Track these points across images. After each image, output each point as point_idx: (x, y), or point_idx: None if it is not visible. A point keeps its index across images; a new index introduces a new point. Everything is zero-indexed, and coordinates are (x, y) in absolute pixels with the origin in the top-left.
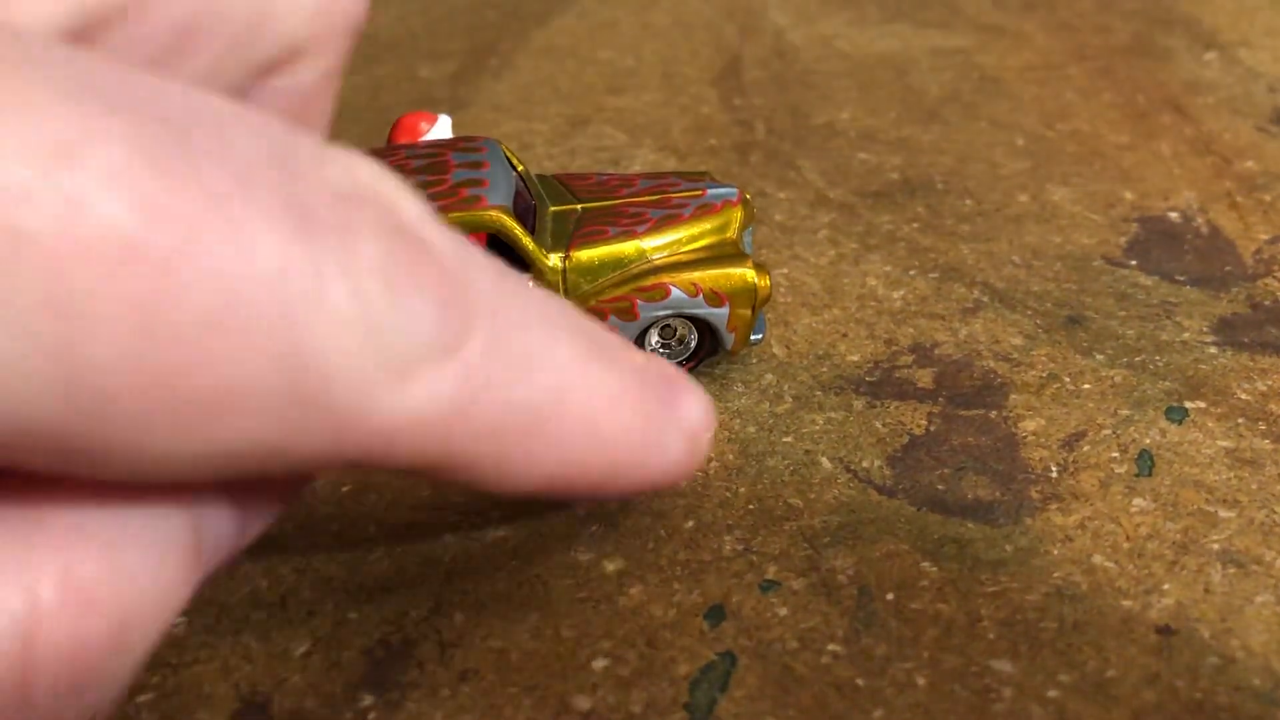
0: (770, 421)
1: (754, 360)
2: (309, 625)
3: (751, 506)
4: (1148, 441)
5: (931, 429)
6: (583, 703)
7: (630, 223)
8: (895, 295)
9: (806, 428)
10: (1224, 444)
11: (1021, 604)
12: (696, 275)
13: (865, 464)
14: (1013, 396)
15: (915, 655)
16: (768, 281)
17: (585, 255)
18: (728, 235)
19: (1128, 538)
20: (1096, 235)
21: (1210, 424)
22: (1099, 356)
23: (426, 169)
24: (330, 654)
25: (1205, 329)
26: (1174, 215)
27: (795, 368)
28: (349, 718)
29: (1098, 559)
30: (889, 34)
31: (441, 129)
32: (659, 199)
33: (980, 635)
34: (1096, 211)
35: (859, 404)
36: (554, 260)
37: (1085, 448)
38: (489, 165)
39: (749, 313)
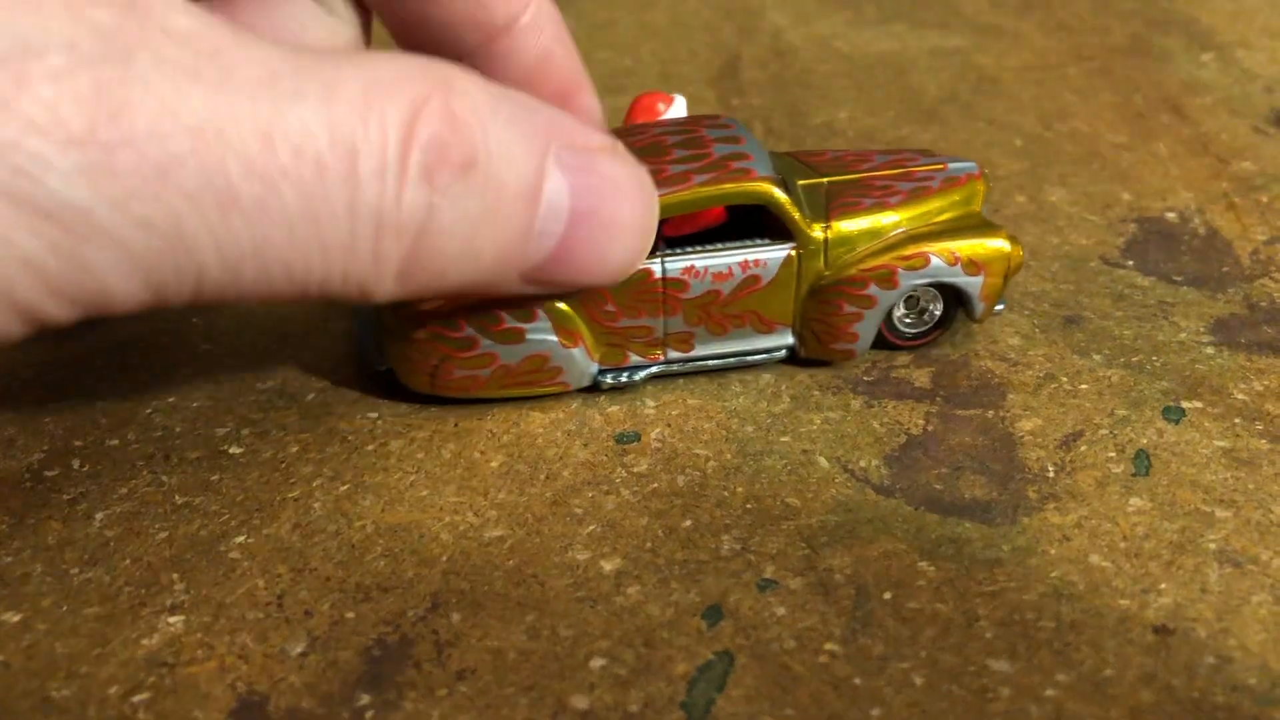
0: (768, 421)
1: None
2: (306, 625)
3: (749, 506)
4: (1144, 441)
5: (929, 429)
6: (580, 702)
7: (882, 194)
8: None
9: (804, 427)
10: (1221, 444)
11: (1019, 603)
12: (955, 244)
13: (863, 464)
14: (1010, 396)
15: (913, 654)
16: (1021, 251)
17: (845, 225)
18: (973, 207)
19: (1125, 537)
20: (1094, 236)
21: (1207, 424)
22: (1096, 357)
23: (686, 144)
24: (327, 654)
25: (1202, 329)
26: (1171, 216)
27: (793, 367)
28: (346, 717)
29: (1095, 559)
30: (887, 34)
31: (678, 109)
32: (903, 173)
33: (978, 635)
34: (1094, 212)
35: (856, 404)
36: (816, 230)
37: (1082, 448)
38: (744, 140)
39: (1001, 281)
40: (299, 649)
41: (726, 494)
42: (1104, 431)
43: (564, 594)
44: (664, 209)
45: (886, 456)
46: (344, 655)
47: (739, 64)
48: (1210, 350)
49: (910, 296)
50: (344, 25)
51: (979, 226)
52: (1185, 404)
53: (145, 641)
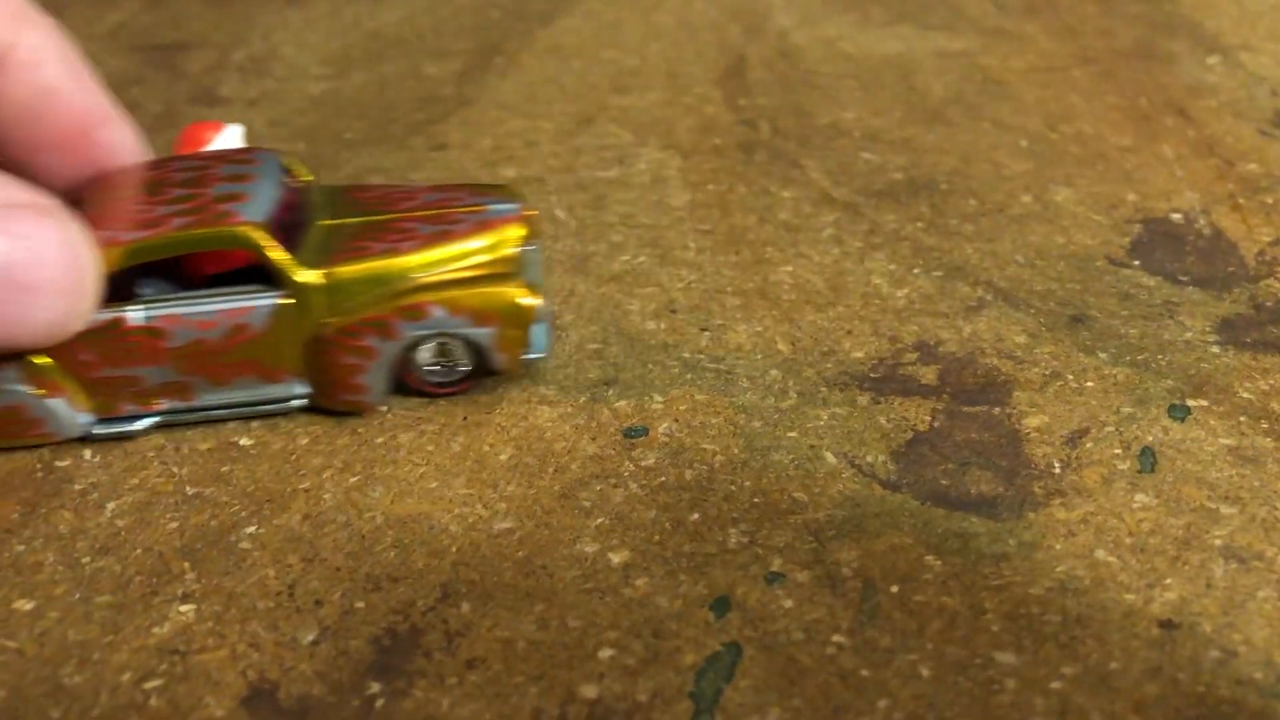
0: (775, 417)
1: (759, 356)
2: (317, 614)
3: (757, 500)
4: (1150, 439)
5: (935, 425)
6: (589, 691)
7: (398, 239)
8: (899, 293)
9: (811, 423)
10: (1226, 442)
11: (1025, 597)
12: (459, 294)
13: (869, 459)
14: (1016, 394)
15: (919, 647)
16: (536, 301)
17: (345, 272)
18: (503, 253)
19: (1130, 533)
20: (1100, 236)
21: (1212, 422)
22: (1102, 355)
23: (189, 182)
24: (338, 642)
25: (1208, 329)
26: (1176, 217)
27: (800, 364)
28: (356, 705)
29: (1100, 554)
30: (893, 36)
31: (230, 139)
32: (437, 214)
33: (984, 628)
34: (1100, 212)
35: (863, 400)
36: (310, 276)
37: (1088, 444)
38: (254, 179)
39: (518, 332)
40: (310, 638)
41: (734, 488)
42: (1110, 429)
43: (572, 585)
44: (137, 253)
45: (893, 452)
46: (354, 644)
47: (745, 65)
48: (1216, 349)
49: (440, 344)
50: None
51: (495, 276)
52: (1190, 402)
53: (157, 630)
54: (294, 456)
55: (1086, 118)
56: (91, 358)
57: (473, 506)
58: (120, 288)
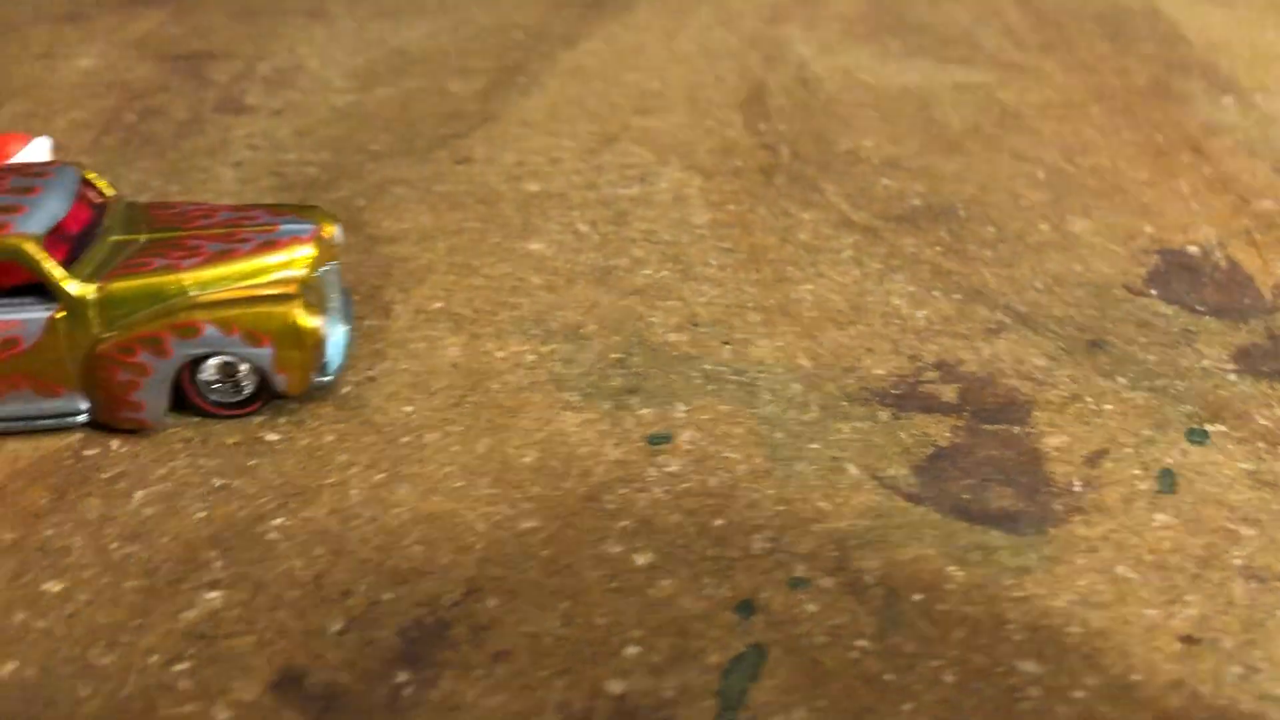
0: (797, 429)
1: (780, 370)
2: (343, 605)
3: (780, 508)
4: (1169, 461)
5: (956, 441)
6: (616, 687)
7: (181, 255)
8: (919, 314)
9: (833, 436)
10: (1245, 466)
11: (1047, 609)
12: (234, 313)
13: (891, 472)
14: (1036, 414)
15: (943, 654)
16: (317, 323)
17: (119, 286)
18: (289, 274)
19: (1151, 551)
20: (1117, 265)
21: (1231, 447)
22: (1120, 379)
23: None
24: (365, 632)
25: (1225, 357)
26: (1193, 249)
27: (822, 379)
28: (384, 693)
29: (1121, 569)
30: (911, 68)
31: (36, 151)
32: (226, 233)
33: (1006, 637)
34: (1117, 243)
35: (884, 415)
36: (82, 289)
37: (1108, 465)
38: (41, 191)
39: (299, 354)
40: (336, 627)
41: (757, 496)
42: (1129, 450)
43: (598, 584)
44: None
45: (915, 466)
46: (381, 635)
47: (765, 91)
48: (1233, 377)
49: (223, 364)
50: None
51: (275, 296)
52: (1209, 427)
53: (185, 615)
54: (320, 453)
55: (1103, 152)
56: None
57: (498, 506)
58: None
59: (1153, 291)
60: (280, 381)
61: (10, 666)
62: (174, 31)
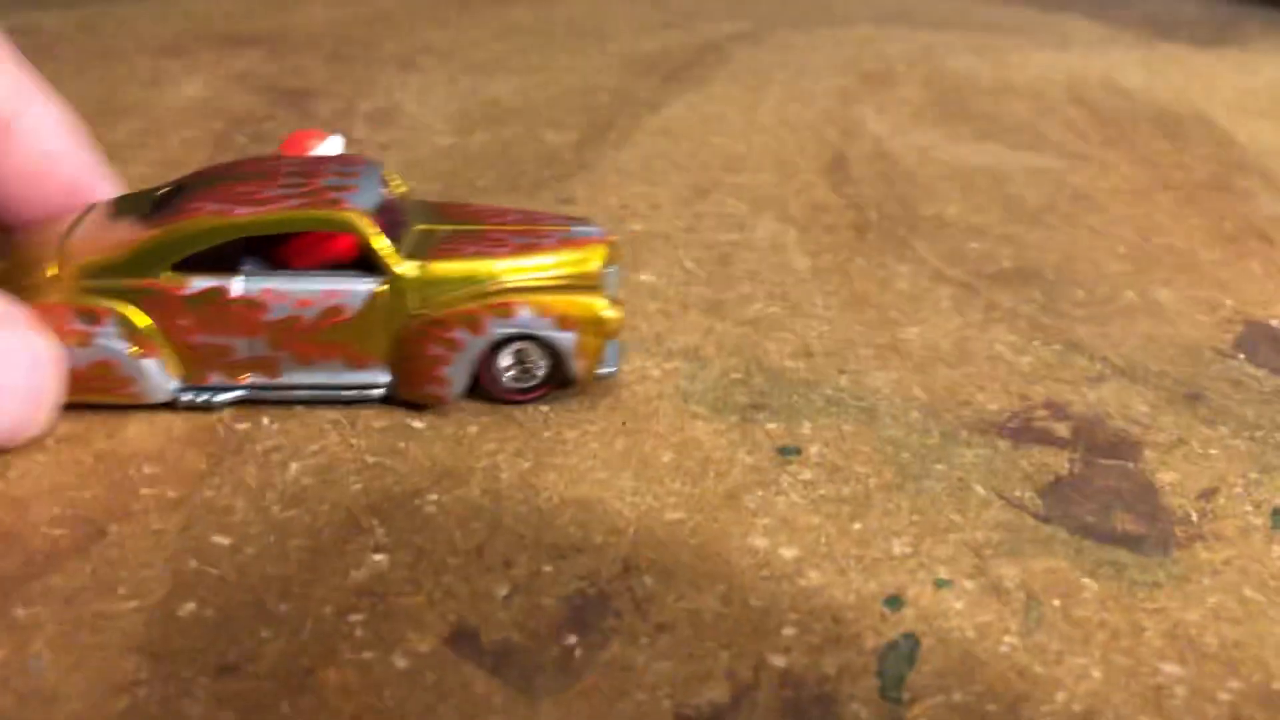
0: (922, 451)
1: (899, 399)
2: (507, 573)
3: (915, 518)
4: (1279, 502)
5: (1074, 471)
6: (779, 661)
7: (490, 245)
8: (1023, 360)
9: (957, 459)
10: None
11: (1182, 620)
12: (547, 299)
13: (1017, 493)
14: (1146, 453)
15: (1087, 653)
16: (618, 314)
17: (439, 268)
18: (587, 269)
19: (1274, 576)
20: (1204, 331)
21: None
22: (1222, 428)
23: (296, 174)
24: (531, 598)
25: None
26: (1275, 323)
27: (939, 409)
28: (556, 653)
29: (1248, 591)
30: (982, 151)
31: (331, 147)
32: (526, 229)
33: (1146, 642)
34: (1201, 312)
35: (1003, 445)
36: (408, 268)
37: (1220, 500)
38: (358, 177)
39: (597, 341)
40: (503, 592)
41: (891, 506)
42: (1239, 490)
43: (749, 572)
44: (245, 228)
45: (1038, 490)
46: (547, 601)
47: (846, 160)
48: None
49: (518, 350)
50: None
51: (581, 287)
52: None
53: (354, 573)
54: (466, 441)
55: (1175, 234)
56: (189, 323)
57: (642, 497)
58: (225, 262)
59: (1240, 356)
60: (576, 367)
61: (189, 606)
62: (271, 69)
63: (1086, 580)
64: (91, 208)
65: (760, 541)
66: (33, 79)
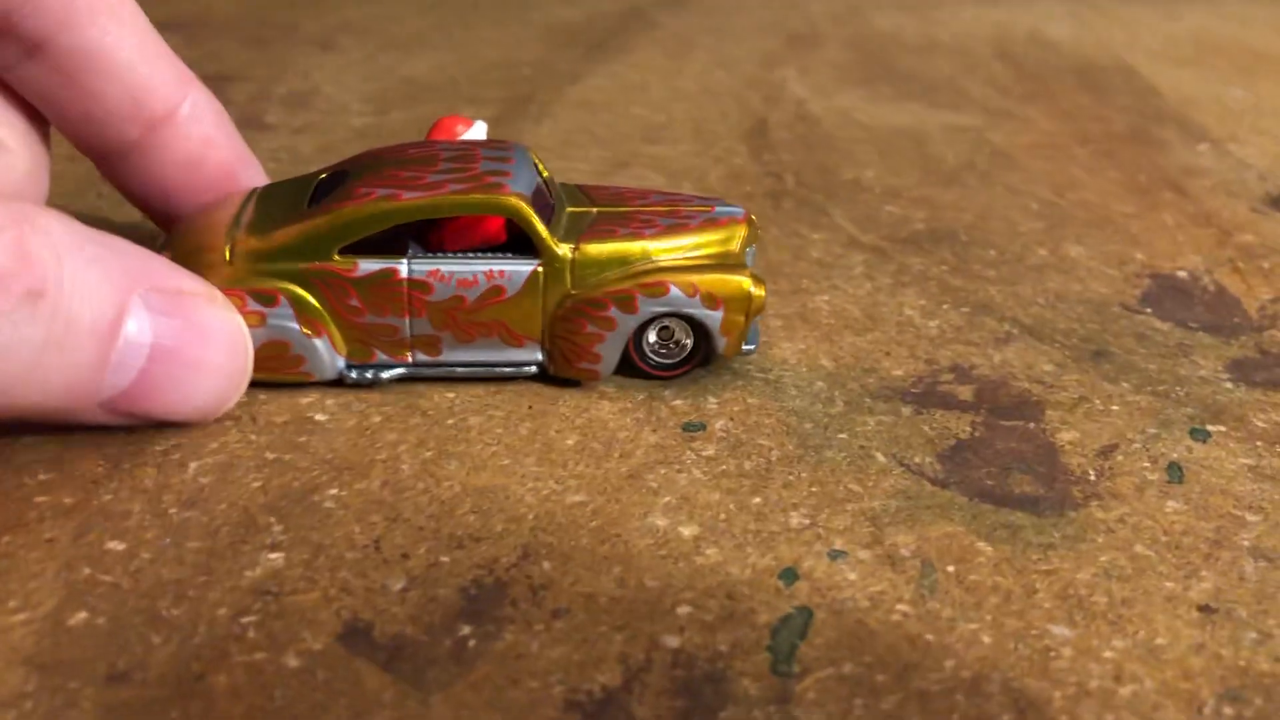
0: (825, 420)
1: (804, 369)
2: (404, 566)
3: (814, 489)
4: (1175, 455)
5: (976, 434)
6: (672, 641)
7: (639, 226)
8: (931, 324)
9: (859, 427)
10: (1246, 461)
11: (1073, 580)
12: (695, 278)
13: (917, 459)
14: (1049, 412)
15: (979, 618)
16: (763, 291)
17: (593, 249)
18: (731, 248)
19: (1165, 532)
20: (1112, 286)
21: (1232, 445)
22: (1124, 384)
23: (455, 159)
24: (427, 590)
25: (1220, 368)
26: (1182, 274)
27: (844, 377)
28: (450, 645)
29: (1139, 548)
30: (903, 111)
31: (477, 133)
32: (669, 210)
33: (1037, 604)
34: (1111, 267)
35: (906, 410)
36: (564, 250)
37: (1119, 458)
38: (514, 162)
39: (743, 319)
40: (399, 585)
41: (791, 478)
42: (1137, 445)
43: (647, 552)
44: (414, 211)
45: (939, 455)
46: (443, 593)
47: (767, 126)
48: (1229, 385)
49: (664, 327)
50: (17, 159)
51: (727, 265)
52: (1210, 427)
53: (249, 573)
54: (368, 432)
55: (1090, 188)
56: (359, 304)
57: (544, 481)
58: (389, 245)
59: (1148, 310)
60: (722, 344)
61: (81, 615)
62: (188, 55)
63: (982, 544)
64: (253, 193)
65: (660, 521)
66: (186, 68)
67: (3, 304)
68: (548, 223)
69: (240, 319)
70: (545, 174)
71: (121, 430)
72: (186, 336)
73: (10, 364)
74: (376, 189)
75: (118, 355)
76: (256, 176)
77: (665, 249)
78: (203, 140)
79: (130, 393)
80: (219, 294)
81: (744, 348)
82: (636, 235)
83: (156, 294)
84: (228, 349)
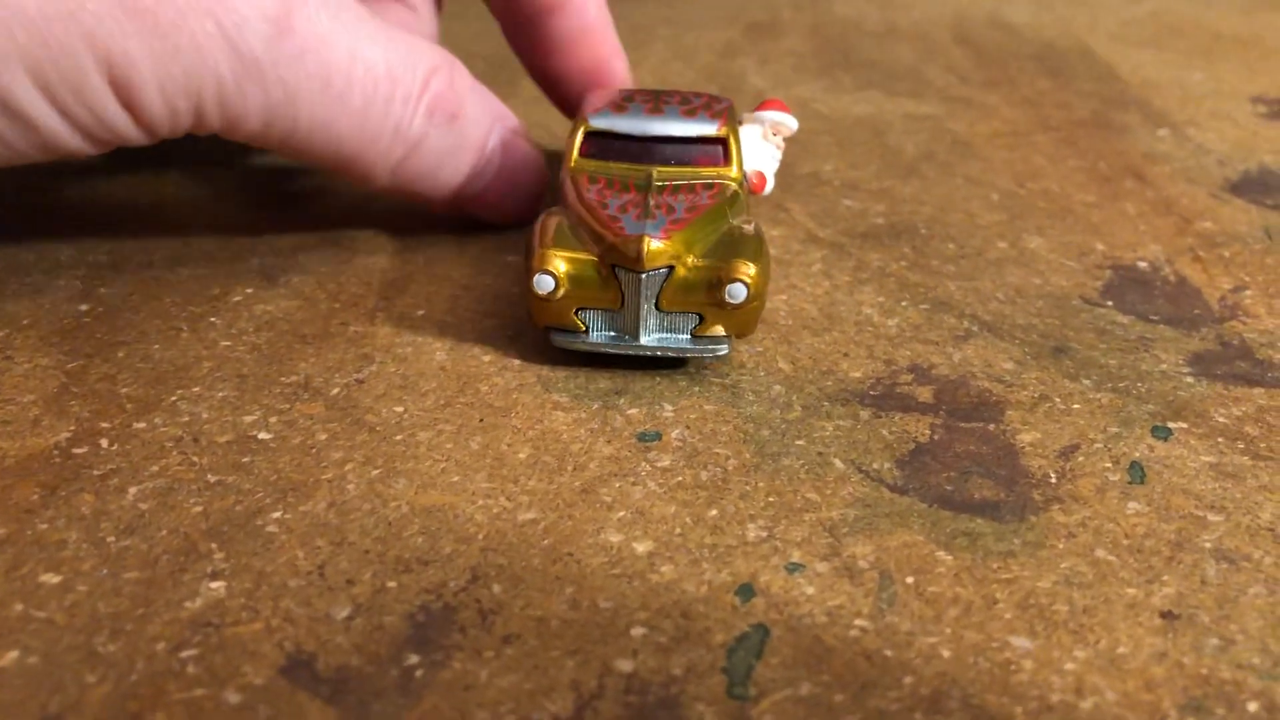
0: (782, 427)
1: (762, 373)
2: (349, 592)
3: (771, 499)
4: (1137, 455)
5: (935, 438)
6: (625, 665)
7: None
8: (890, 322)
9: (817, 433)
10: (1207, 459)
11: (1034, 589)
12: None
13: (876, 465)
14: (1009, 413)
15: (938, 631)
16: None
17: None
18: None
19: (1126, 535)
20: (1073, 279)
21: (1193, 442)
22: (1085, 381)
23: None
24: (372, 618)
25: (1181, 362)
26: (1143, 265)
27: (802, 381)
28: (396, 675)
29: (1100, 553)
30: (863, 100)
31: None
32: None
33: (998, 615)
34: (1071, 259)
35: (865, 414)
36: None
37: (1080, 458)
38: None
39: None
40: (344, 613)
41: (749, 488)
42: (1099, 445)
43: (600, 570)
44: None
45: (897, 460)
46: (389, 620)
47: None
48: (1190, 380)
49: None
50: (423, 23)
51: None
52: (1171, 424)
53: (189, 604)
54: (314, 450)
55: (1052, 177)
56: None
57: (496, 499)
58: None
59: (1109, 303)
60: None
61: (12, 655)
62: None
63: (941, 554)
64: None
65: (614, 537)
66: None
67: (437, 119)
68: None
69: (541, 154)
70: None
71: (57, 456)
72: (515, 161)
73: (428, 161)
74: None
75: (482, 164)
76: (621, 67)
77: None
78: (582, 28)
79: (483, 194)
80: (522, 126)
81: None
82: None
83: (507, 129)
84: (536, 174)
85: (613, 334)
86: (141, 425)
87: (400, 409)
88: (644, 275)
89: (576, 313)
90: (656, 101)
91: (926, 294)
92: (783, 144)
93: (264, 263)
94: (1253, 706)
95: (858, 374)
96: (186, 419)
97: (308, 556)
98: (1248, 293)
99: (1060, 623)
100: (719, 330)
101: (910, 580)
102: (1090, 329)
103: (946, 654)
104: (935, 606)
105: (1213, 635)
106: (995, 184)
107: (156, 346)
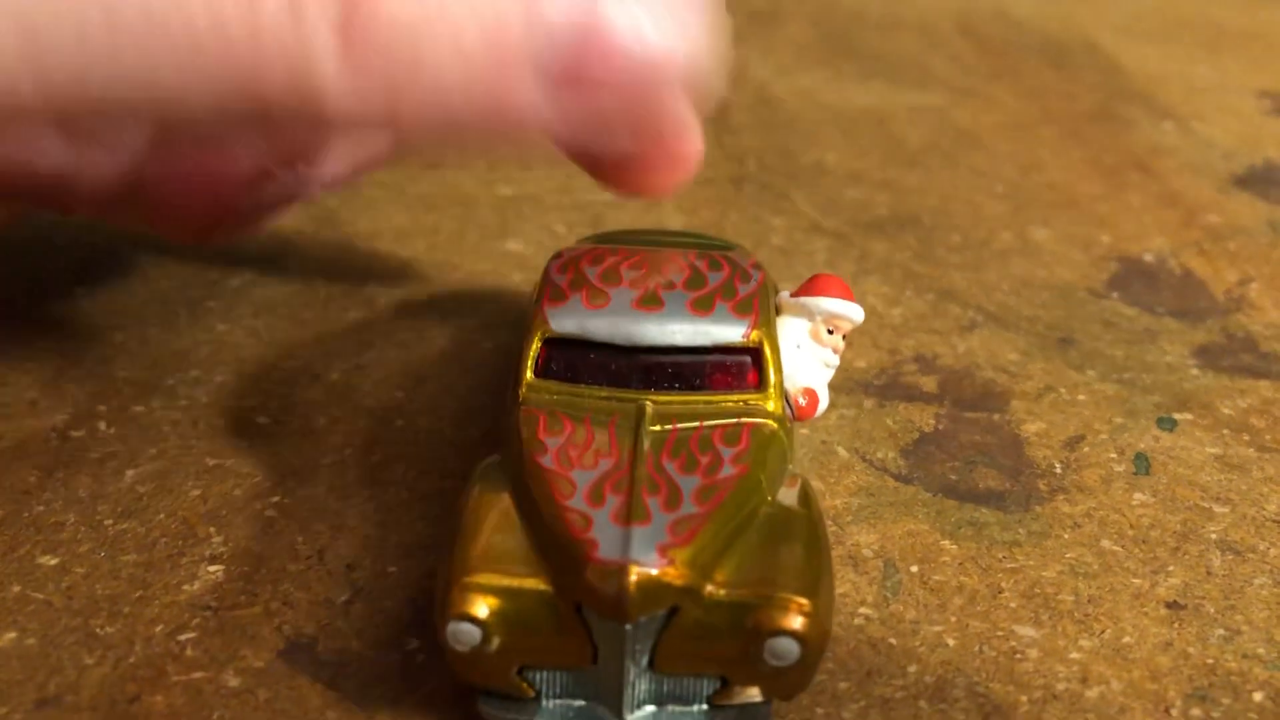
0: None
1: None
2: (349, 577)
3: None
4: (1142, 446)
5: (940, 427)
6: None
7: None
8: (894, 312)
9: (821, 421)
10: (1212, 451)
11: (1039, 579)
12: None
13: (880, 454)
14: (1014, 403)
15: (943, 620)
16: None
17: None
18: None
19: (1132, 526)
20: (1078, 270)
21: (1199, 433)
22: (1090, 372)
23: None
24: (373, 602)
25: (1187, 354)
26: (1149, 257)
27: None
28: (397, 659)
29: (1106, 543)
30: (866, 90)
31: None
32: None
33: (1003, 604)
34: (1076, 250)
35: (869, 403)
36: None
37: (1085, 449)
38: None
39: None
40: (344, 598)
41: None
42: (1104, 436)
43: None
44: None
45: (902, 449)
46: (390, 604)
47: (728, 109)
48: (1195, 371)
49: None
50: None
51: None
52: (1177, 415)
53: (187, 587)
54: (314, 435)
55: (1056, 169)
56: None
57: None
58: None
59: (1114, 295)
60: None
61: (10, 636)
62: None
63: (946, 543)
64: None
65: None
66: None
67: None
68: None
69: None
70: None
71: (54, 438)
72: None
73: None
74: None
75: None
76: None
77: None
78: None
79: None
80: None
81: None
82: None
83: None
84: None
85: (580, 703)
86: (139, 408)
87: (400, 394)
88: (629, 625)
89: (520, 672)
90: (649, 281)
91: (931, 284)
92: (842, 344)
93: (262, 247)
94: (1258, 696)
95: (862, 363)
96: (185, 403)
97: (307, 541)
98: (1253, 285)
99: (1065, 612)
100: (753, 694)
101: (915, 569)
102: (1096, 320)
103: (951, 642)
104: (940, 595)
105: (1218, 625)
106: (1000, 175)
107: (154, 330)
